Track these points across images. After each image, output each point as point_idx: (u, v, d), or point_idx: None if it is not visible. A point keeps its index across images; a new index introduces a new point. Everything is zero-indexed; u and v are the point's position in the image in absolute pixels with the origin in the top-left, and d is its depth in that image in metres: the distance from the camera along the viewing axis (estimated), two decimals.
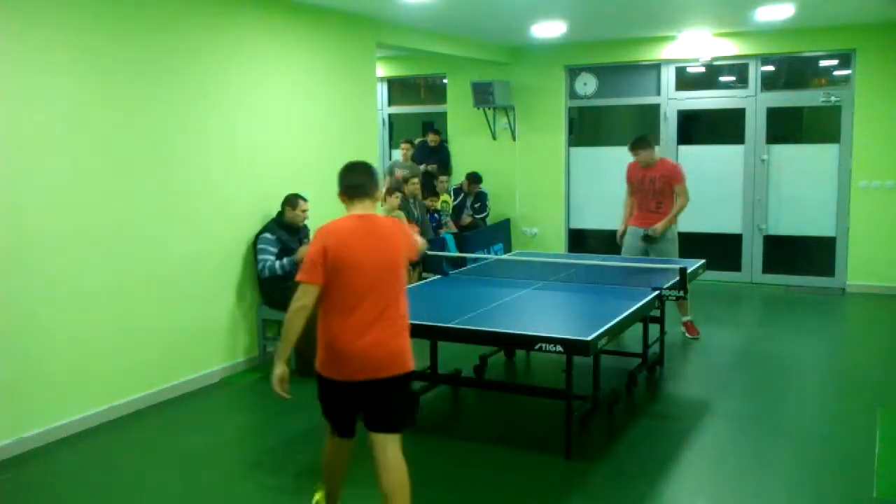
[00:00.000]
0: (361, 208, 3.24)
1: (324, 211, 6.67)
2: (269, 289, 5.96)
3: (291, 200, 6.01)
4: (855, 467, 4.19)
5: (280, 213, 6.08)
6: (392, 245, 3.20)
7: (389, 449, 3.28)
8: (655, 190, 6.69)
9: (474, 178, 9.61)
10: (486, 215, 9.80)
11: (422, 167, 9.55)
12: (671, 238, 6.72)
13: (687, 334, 6.80)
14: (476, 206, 9.70)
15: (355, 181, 3.26)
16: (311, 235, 6.31)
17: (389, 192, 8.19)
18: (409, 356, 3.25)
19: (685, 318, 6.86)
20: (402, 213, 8.24)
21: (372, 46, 7.44)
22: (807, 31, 8.50)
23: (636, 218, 6.84)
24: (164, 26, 5.29)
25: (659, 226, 6.63)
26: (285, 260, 5.87)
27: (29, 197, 4.50)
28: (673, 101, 9.45)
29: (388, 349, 3.16)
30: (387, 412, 3.28)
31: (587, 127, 10.39)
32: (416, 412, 3.98)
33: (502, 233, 9.94)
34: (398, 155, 10.05)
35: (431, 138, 10.07)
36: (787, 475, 4.13)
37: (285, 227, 6.04)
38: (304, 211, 6.04)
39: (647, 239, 6.67)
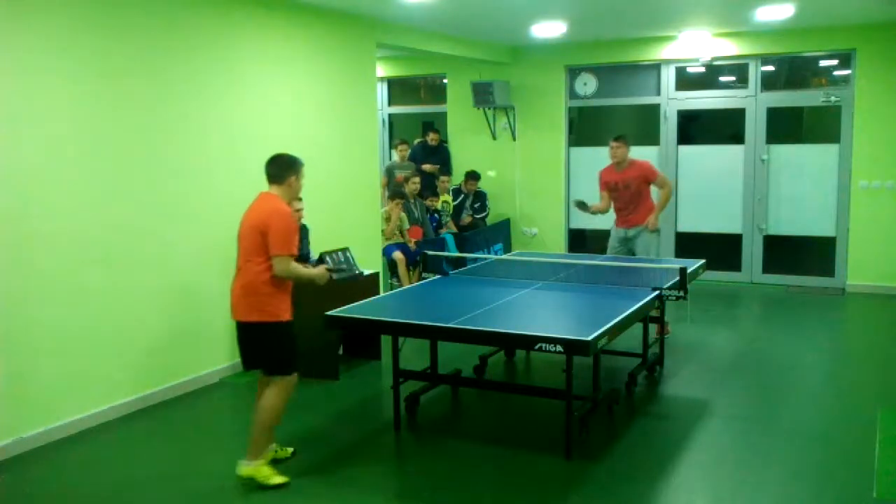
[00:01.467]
0: (271, 190, 4.13)
1: (324, 211, 6.68)
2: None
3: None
4: (855, 467, 4.19)
5: None
6: (252, 218, 4.01)
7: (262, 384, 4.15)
8: (631, 193, 6.70)
9: (473, 175, 9.63)
10: (486, 215, 9.80)
11: (424, 167, 9.54)
12: (651, 231, 6.71)
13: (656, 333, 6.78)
14: (476, 206, 9.71)
15: (268, 171, 4.15)
16: (310, 236, 6.33)
17: (391, 198, 8.20)
18: (250, 310, 3.97)
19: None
20: (404, 216, 8.26)
21: (372, 46, 7.44)
22: (807, 31, 8.50)
23: (617, 221, 6.87)
24: (164, 26, 5.29)
25: (652, 220, 6.67)
26: None
27: (29, 197, 4.50)
28: (673, 101, 9.46)
29: (234, 296, 4.03)
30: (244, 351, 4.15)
31: (587, 127, 10.38)
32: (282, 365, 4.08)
33: (502, 233, 9.94)
34: (395, 156, 10.05)
35: (431, 137, 10.07)
36: (786, 475, 4.13)
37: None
38: (299, 210, 6.02)
39: (628, 241, 6.72)
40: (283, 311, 4.03)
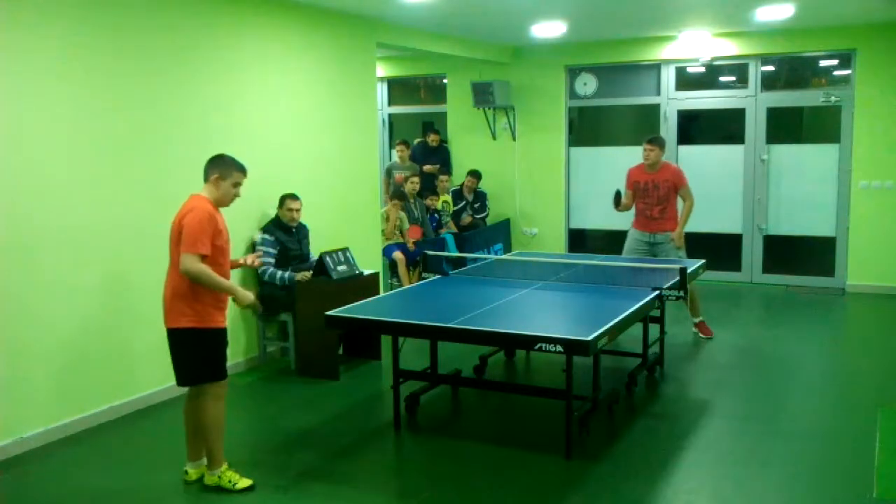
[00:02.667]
0: (202, 191, 4.01)
1: (324, 211, 6.69)
2: (269, 290, 5.97)
3: (282, 200, 6.05)
4: (855, 467, 4.19)
5: (278, 214, 6.10)
6: (175, 219, 3.88)
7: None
8: (659, 196, 6.65)
9: (475, 173, 9.66)
10: (486, 215, 9.80)
11: (425, 168, 9.54)
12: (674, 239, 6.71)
13: (700, 335, 6.82)
14: (476, 206, 9.71)
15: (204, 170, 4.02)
16: (311, 236, 6.33)
17: (391, 198, 8.20)
18: (179, 315, 3.84)
19: (696, 319, 6.87)
20: (403, 215, 8.26)
21: (372, 46, 7.44)
22: (807, 31, 8.50)
23: (638, 223, 6.82)
24: (163, 26, 5.29)
25: (678, 239, 6.65)
26: (287, 274, 5.91)
27: (29, 197, 4.50)
28: (673, 101, 9.46)
29: (165, 302, 3.92)
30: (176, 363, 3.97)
31: (587, 127, 10.39)
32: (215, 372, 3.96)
33: (502, 233, 9.94)
34: (395, 156, 10.05)
35: (432, 138, 10.07)
36: (787, 475, 4.13)
37: (283, 228, 6.05)
38: (291, 210, 6.04)
39: (653, 246, 6.68)
40: (214, 317, 3.89)
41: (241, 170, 4.08)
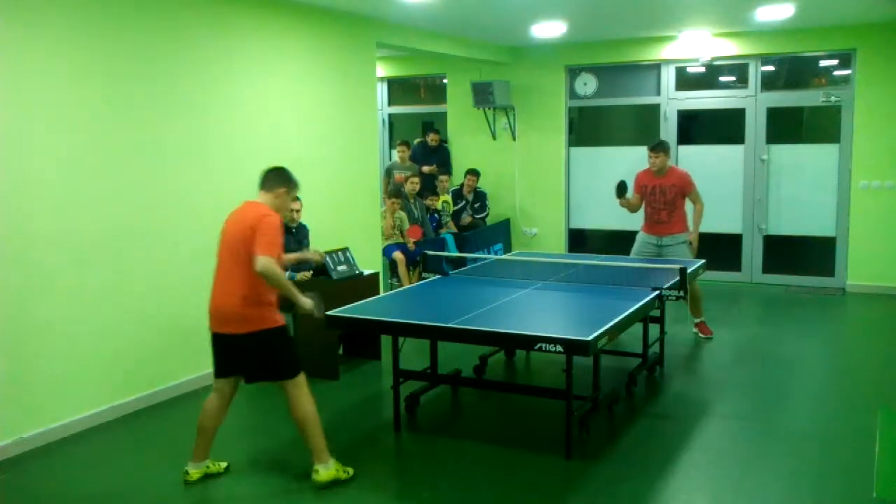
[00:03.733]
0: (257, 198, 4.03)
1: (324, 211, 6.69)
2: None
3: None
4: (855, 467, 4.19)
5: None
6: (240, 226, 3.84)
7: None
8: (666, 200, 6.64)
9: (474, 172, 9.68)
10: (486, 215, 9.80)
11: (423, 169, 9.53)
12: (685, 241, 6.71)
13: (700, 335, 6.82)
14: (476, 206, 9.71)
15: (263, 176, 4.07)
16: (311, 236, 6.33)
17: (389, 196, 8.20)
18: (250, 321, 3.85)
19: (697, 319, 6.87)
20: (403, 215, 8.26)
21: (372, 46, 7.44)
22: (807, 31, 8.50)
23: (647, 226, 6.80)
24: (163, 26, 5.29)
25: (694, 240, 6.66)
26: (287, 274, 5.90)
27: (29, 197, 4.51)
28: (673, 101, 9.46)
29: (228, 309, 3.89)
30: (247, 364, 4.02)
31: (587, 127, 10.39)
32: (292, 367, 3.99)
33: (502, 233, 9.94)
34: (396, 156, 10.05)
35: (432, 138, 10.08)
36: (786, 475, 4.13)
37: (283, 228, 6.03)
38: (291, 210, 6.03)
39: (662, 248, 6.67)
40: (279, 316, 3.97)
41: (298, 186, 4.18)
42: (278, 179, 4.02)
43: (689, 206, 6.80)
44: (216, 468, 4.18)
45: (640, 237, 6.87)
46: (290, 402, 3.98)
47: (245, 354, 3.94)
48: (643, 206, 6.79)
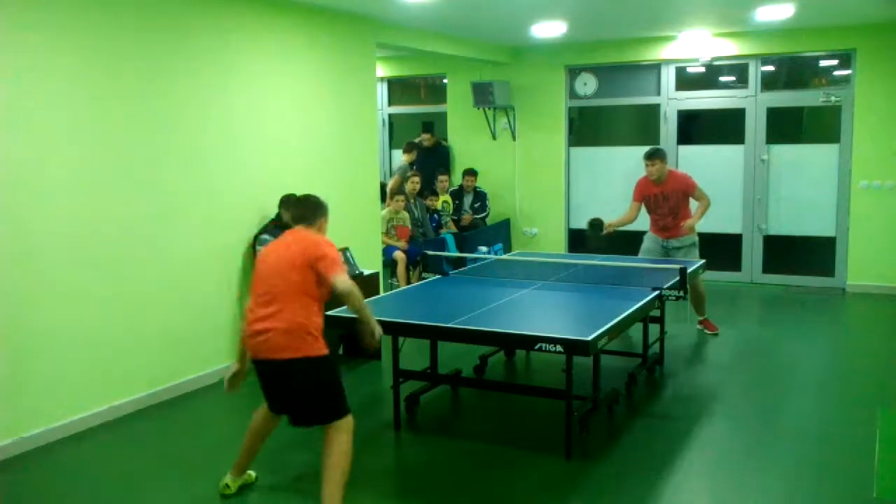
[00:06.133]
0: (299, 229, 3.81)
1: None
2: None
3: (285, 201, 6.02)
4: (855, 467, 4.19)
5: (278, 214, 6.09)
6: (294, 254, 3.63)
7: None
8: (670, 207, 6.61)
9: (471, 171, 9.70)
10: (486, 215, 9.80)
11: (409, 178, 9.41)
12: (694, 242, 6.70)
13: (706, 331, 6.84)
14: (476, 205, 9.72)
15: (295, 212, 3.90)
16: None
17: (391, 195, 8.21)
18: (297, 344, 3.57)
19: (701, 317, 6.87)
20: (405, 214, 8.27)
21: (372, 46, 7.43)
22: (807, 31, 8.50)
23: (654, 230, 6.78)
24: (163, 27, 5.29)
25: (691, 222, 6.61)
26: None
27: (30, 197, 4.51)
28: (673, 101, 9.45)
29: (273, 335, 3.59)
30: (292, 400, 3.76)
31: (587, 127, 10.38)
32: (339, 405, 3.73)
33: (502, 233, 9.94)
34: (396, 156, 10.02)
35: (426, 138, 10.07)
36: (787, 475, 4.13)
37: (283, 228, 6.03)
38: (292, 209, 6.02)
39: (670, 251, 6.64)
40: (324, 346, 3.68)
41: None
42: (317, 210, 3.84)
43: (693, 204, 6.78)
44: (249, 478, 4.07)
45: (648, 237, 6.85)
46: (325, 444, 3.69)
47: (287, 383, 3.68)
48: (649, 213, 6.74)
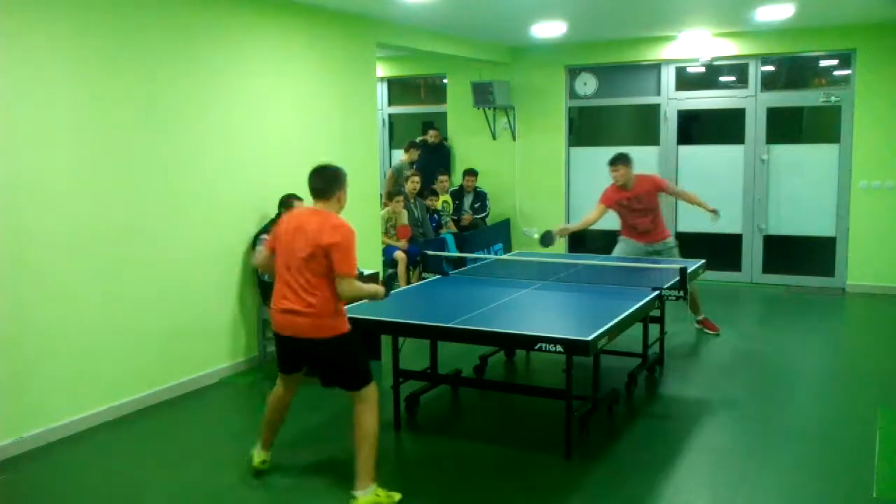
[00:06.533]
0: (316, 206, 3.86)
1: None
2: (270, 289, 5.96)
3: (285, 201, 6.01)
4: (855, 467, 4.19)
5: (278, 214, 6.08)
6: (314, 236, 3.69)
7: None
8: (645, 208, 6.51)
9: (471, 171, 9.70)
10: (486, 215, 9.80)
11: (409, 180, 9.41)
12: (675, 245, 6.69)
13: (707, 331, 6.82)
14: (476, 206, 9.72)
15: (312, 184, 3.86)
16: None
17: (390, 196, 8.21)
18: (322, 328, 3.77)
19: (699, 317, 6.87)
20: (404, 213, 8.27)
21: (372, 46, 7.44)
22: (807, 31, 8.50)
23: (631, 236, 6.66)
24: (163, 27, 5.29)
25: (713, 209, 6.60)
26: None
27: (29, 198, 4.51)
28: (673, 101, 9.46)
29: (304, 316, 3.77)
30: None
31: (587, 127, 10.39)
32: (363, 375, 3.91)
33: (502, 233, 9.94)
34: (397, 156, 10.02)
35: (432, 134, 10.08)
36: (787, 475, 4.13)
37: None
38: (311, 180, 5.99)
39: (652, 254, 6.59)
40: (346, 322, 3.88)
41: (346, 175, 3.95)
42: (334, 182, 3.83)
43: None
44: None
45: (624, 241, 6.70)
46: (354, 415, 3.85)
47: (316, 360, 3.97)
48: (621, 218, 6.64)
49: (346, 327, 3.85)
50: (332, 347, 3.80)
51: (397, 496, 3.82)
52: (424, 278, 5.99)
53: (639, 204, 6.52)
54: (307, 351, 3.86)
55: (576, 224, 6.62)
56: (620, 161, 6.49)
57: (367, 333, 6.13)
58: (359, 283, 3.82)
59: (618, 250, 6.74)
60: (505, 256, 7.48)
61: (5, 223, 4.39)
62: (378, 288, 4.05)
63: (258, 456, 4.13)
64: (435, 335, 4.74)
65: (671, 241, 6.68)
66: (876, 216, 8.46)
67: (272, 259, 3.95)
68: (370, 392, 3.86)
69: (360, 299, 4.12)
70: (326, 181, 3.83)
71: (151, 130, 5.24)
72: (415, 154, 9.59)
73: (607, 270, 5.78)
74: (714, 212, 6.68)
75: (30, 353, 4.55)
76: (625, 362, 5.69)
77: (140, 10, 5.12)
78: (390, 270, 7.91)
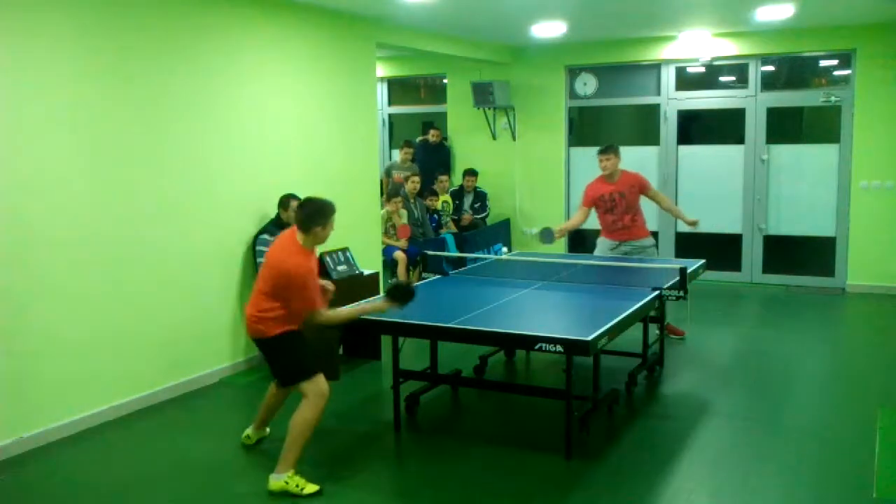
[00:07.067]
0: (297, 233, 4.08)
1: None
2: None
3: (284, 201, 6.02)
4: (855, 467, 4.19)
5: (278, 214, 6.09)
6: (275, 261, 4.03)
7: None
8: (627, 204, 6.48)
9: (471, 172, 9.71)
10: (486, 215, 9.81)
11: (395, 178, 9.45)
12: (652, 244, 6.66)
13: (672, 336, 6.69)
14: (476, 206, 9.72)
15: (296, 214, 4.09)
16: None
17: (388, 197, 8.21)
18: (261, 330, 4.07)
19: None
20: (403, 213, 8.27)
21: (372, 46, 7.44)
22: (807, 31, 8.50)
23: (610, 235, 6.63)
24: (162, 27, 5.29)
25: (691, 219, 6.63)
26: None
27: (29, 198, 4.51)
28: (673, 101, 9.46)
29: (250, 319, 4.11)
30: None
31: (587, 127, 10.39)
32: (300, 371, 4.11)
33: (502, 233, 9.94)
34: (397, 156, 10.05)
35: (433, 134, 10.09)
36: (787, 475, 4.13)
37: (283, 228, 6.03)
38: (292, 210, 6.03)
39: (631, 253, 6.56)
40: (287, 322, 4.10)
41: (334, 211, 4.13)
42: (313, 219, 4.02)
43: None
44: (263, 433, 4.58)
45: (602, 243, 6.70)
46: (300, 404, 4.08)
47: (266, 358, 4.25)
48: (602, 216, 6.60)
49: (282, 329, 4.05)
50: (272, 345, 4.09)
51: (313, 488, 3.91)
52: (424, 278, 5.99)
53: (622, 199, 6.48)
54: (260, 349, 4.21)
55: (564, 226, 6.65)
56: (612, 150, 6.52)
57: (367, 333, 6.19)
58: (328, 313, 4.10)
59: (597, 251, 6.74)
60: (505, 256, 7.48)
61: (6, 223, 4.39)
62: (379, 305, 4.27)
63: (245, 431, 4.52)
64: (435, 335, 4.74)
65: (649, 240, 6.63)
66: (876, 216, 8.46)
67: None
68: (307, 388, 4.02)
69: (344, 322, 4.31)
70: (306, 216, 4.03)
71: (151, 131, 5.24)
72: (409, 153, 9.61)
73: (607, 270, 5.78)
74: (694, 223, 6.65)
75: (30, 353, 4.55)
76: (625, 362, 5.69)
77: (140, 11, 5.12)
78: (391, 280, 7.92)
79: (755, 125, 9.05)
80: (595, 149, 9.92)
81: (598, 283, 5.49)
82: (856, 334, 7.49)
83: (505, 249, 8.93)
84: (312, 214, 4.02)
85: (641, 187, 6.58)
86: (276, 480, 3.92)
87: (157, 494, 4.02)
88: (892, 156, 8.35)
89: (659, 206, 6.83)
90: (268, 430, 4.60)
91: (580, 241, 10.15)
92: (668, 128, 9.47)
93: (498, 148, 10.28)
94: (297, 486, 3.90)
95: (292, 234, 4.08)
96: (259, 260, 5.93)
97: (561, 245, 10.02)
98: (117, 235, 5.02)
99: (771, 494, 3.94)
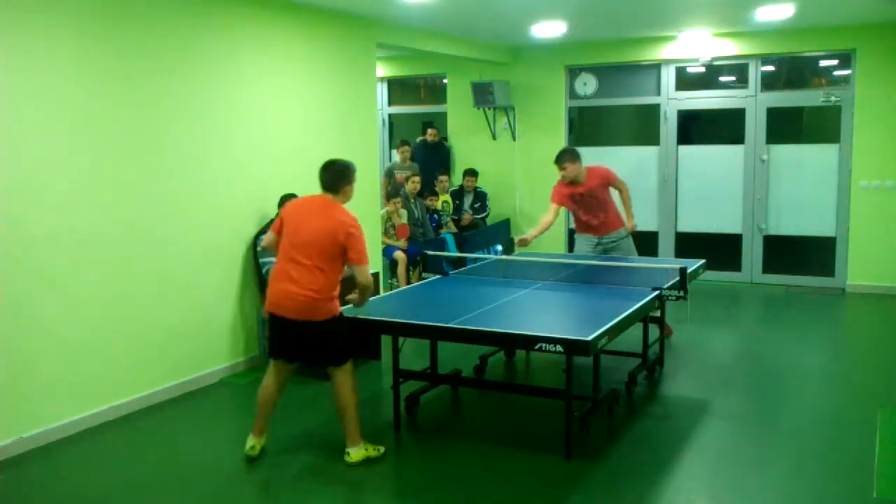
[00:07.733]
0: (326, 196, 4.23)
1: None
2: None
3: (282, 201, 6.02)
4: (855, 467, 4.19)
5: (278, 214, 6.08)
6: (324, 225, 4.09)
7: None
8: (597, 203, 6.43)
9: (471, 172, 9.71)
10: (486, 215, 9.81)
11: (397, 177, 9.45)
12: (628, 234, 6.60)
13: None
14: (476, 205, 9.72)
15: (322, 177, 4.23)
16: None
17: (388, 197, 8.21)
18: (319, 311, 4.12)
19: None
20: (403, 213, 8.27)
21: (372, 46, 7.44)
22: (807, 31, 8.50)
23: (586, 230, 6.61)
24: (163, 27, 5.29)
25: (632, 223, 6.55)
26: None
27: (29, 198, 4.51)
28: (673, 101, 9.46)
29: (302, 298, 4.09)
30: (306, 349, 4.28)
31: (587, 127, 10.39)
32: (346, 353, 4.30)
33: (502, 233, 9.93)
34: (396, 156, 10.06)
35: (430, 133, 10.09)
36: (787, 475, 4.13)
37: None
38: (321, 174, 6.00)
39: (607, 249, 6.54)
40: (339, 305, 4.28)
41: (356, 168, 4.32)
42: (342, 179, 4.20)
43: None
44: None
45: (581, 239, 6.67)
46: (334, 388, 4.27)
47: (306, 340, 4.20)
48: (574, 214, 6.60)
49: (339, 310, 4.24)
50: (325, 328, 4.15)
51: (382, 448, 4.36)
52: (424, 278, 5.98)
53: (593, 198, 6.43)
54: (299, 331, 4.15)
55: (534, 231, 6.37)
56: (566, 159, 6.32)
57: (366, 333, 6.18)
58: (369, 273, 4.25)
59: (576, 248, 6.71)
60: (505, 256, 7.47)
61: (6, 223, 4.39)
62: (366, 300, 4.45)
63: (249, 441, 4.37)
64: (435, 335, 4.74)
65: (623, 231, 6.56)
66: (876, 216, 8.46)
67: (277, 240, 4.28)
68: (349, 366, 4.28)
69: (369, 288, 4.33)
70: (333, 176, 4.20)
71: (151, 131, 5.24)
72: (406, 151, 9.61)
73: (607, 270, 5.78)
74: (631, 227, 6.57)
75: (30, 353, 4.55)
76: (625, 362, 5.69)
77: (140, 11, 5.12)
78: (391, 281, 7.93)
79: (755, 125, 9.05)
80: (595, 149, 10.07)
81: (598, 283, 5.49)
82: (856, 334, 7.49)
83: (500, 248, 8.93)
84: (342, 172, 4.20)
85: (607, 180, 6.50)
86: (356, 452, 4.25)
87: (157, 495, 4.02)
88: (892, 156, 8.35)
89: (621, 198, 6.74)
90: (264, 438, 4.43)
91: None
92: (668, 128, 9.47)
93: (498, 148, 10.28)
94: (374, 449, 4.33)
95: (323, 199, 4.19)
96: (261, 260, 5.92)
97: (561, 245, 10.02)
98: (117, 235, 5.02)
99: (771, 494, 3.94)
